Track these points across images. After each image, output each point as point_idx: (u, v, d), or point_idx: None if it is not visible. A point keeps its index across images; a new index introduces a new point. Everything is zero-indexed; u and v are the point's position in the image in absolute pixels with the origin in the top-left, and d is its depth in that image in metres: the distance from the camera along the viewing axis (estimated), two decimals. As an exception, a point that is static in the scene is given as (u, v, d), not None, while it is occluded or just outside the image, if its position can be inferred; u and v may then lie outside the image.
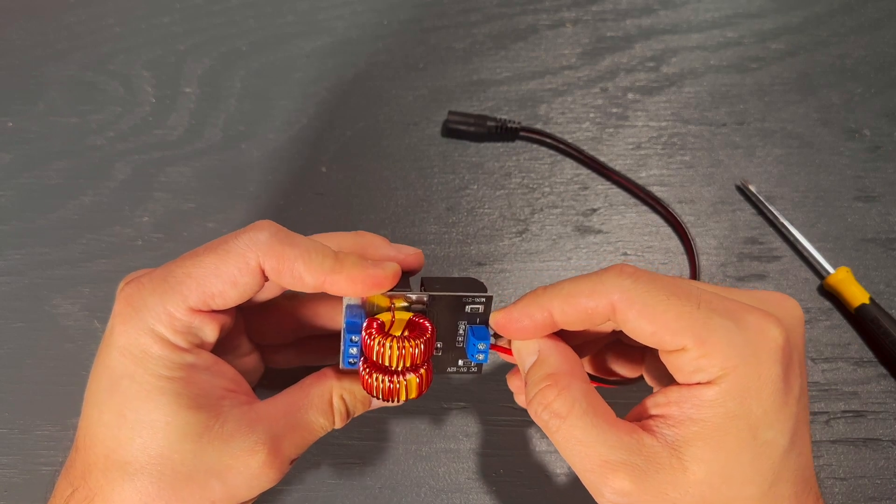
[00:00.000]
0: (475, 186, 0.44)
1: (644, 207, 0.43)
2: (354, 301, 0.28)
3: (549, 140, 0.45)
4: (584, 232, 0.42)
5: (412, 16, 0.49)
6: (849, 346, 0.39)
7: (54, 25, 0.49)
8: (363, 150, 0.45)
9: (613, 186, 0.43)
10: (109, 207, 0.43)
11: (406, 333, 0.28)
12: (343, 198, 0.43)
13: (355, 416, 0.31)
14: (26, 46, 0.48)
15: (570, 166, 0.44)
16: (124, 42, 0.48)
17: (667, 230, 0.42)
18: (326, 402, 0.30)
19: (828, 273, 0.40)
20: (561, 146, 0.44)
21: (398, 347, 0.27)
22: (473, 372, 0.31)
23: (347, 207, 0.43)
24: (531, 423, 0.37)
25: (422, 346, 0.27)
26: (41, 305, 0.40)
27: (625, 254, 0.41)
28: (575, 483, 0.36)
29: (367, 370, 0.28)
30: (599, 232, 0.42)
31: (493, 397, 0.38)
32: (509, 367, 0.38)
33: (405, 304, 0.29)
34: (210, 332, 0.28)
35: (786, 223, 0.41)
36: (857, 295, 0.39)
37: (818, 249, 0.41)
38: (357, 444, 0.37)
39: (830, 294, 0.40)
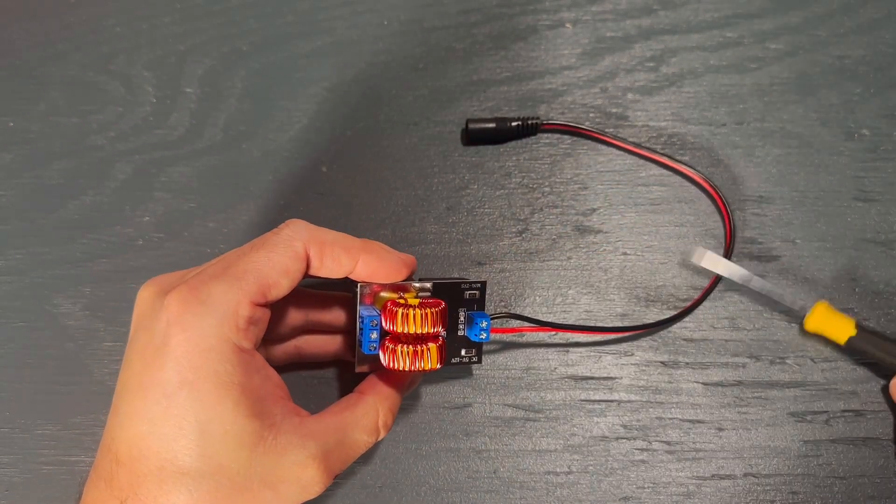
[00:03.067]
0: (475, 186, 0.44)
1: (644, 207, 0.43)
2: (367, 292, 0.31)
3: (580, 130, 0.45)
4: (584, 232, 0.42)
5: (412, 16, 0.49)
6: (848, 345, 0.39)
7: (55, 25, 0.49)
8: (363, 150, 0.45)
9: (613, 185, 0.43)
10: (110, 207, 0.43)
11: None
12: (343, 198, 0.43)
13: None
14: (26, 46, 0.48)
15: (569, 166, 0.44)
16: (125, 42, 0.48)
17: (667, 230, 0.42)
18: (372, 421, 0.31)
19: (805, 312, 0.37)
20: (590, 133, 0.45)
21: (420, 312, 0.30)
22: (475, 361, 0.34)
23: (347, 207, 0.43)
24: (531, 422, 0.38)
25: (441, 313, 0.31)
26: (42, 305, 0.40)
27: (624, 253, 0.41)
28: (575, 483, 0.36)
29: (391, 346, 0.31)
30: (599, 232, 0.42)
31: (493, 397, 0.38)
32: (509, 367, 0.39)
33: (412, 292, 0.32)
34: (263, 329, 0.28)
35: (753, 278, 0.39)
36: (843, 328, 0.36)
37: (817, 250, 0.41)
38: (357, 444, 0.37)
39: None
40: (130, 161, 0.44)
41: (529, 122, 0.44)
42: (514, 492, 0.36)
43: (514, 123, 0.44)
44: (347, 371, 0.39)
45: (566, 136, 0.45)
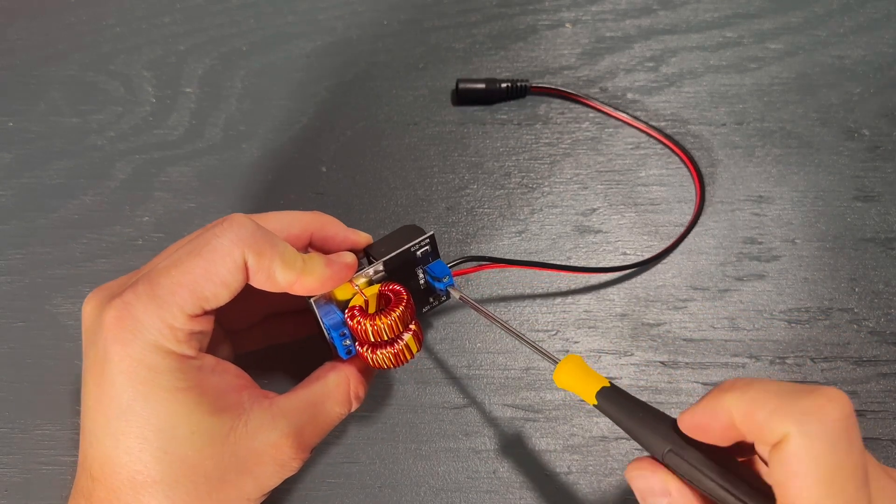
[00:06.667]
0: (475, 186, 0.44)
1: (644, 207, 0.43)
2: (319, 297, 0.30)
3: (567, 94, 0.46)
4: (584, 231, 0.42)
5: (412, 16, 0.49)
6: (848, 345, 0.39)
7: (54, 25, 0.49)
8: (363, 150, 0.45)
9: (613, 186, 0.43)
10: (110, 207, 0.43)
11: (384, 304, 0.31)
12: (343, 198, 0.43)
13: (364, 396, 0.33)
14: (26, 46, 0.48)
15: (569, 166, 0.44)
16: (125, 42, 0.48)
17: (666, 230, 0.42)
18: (344, 392, 0.31)
19: (555, 362, 0.29)
20: (576, 98, 0.46)
21: (389, 320, 0.29)
22: (444, 300, 0.35)
23: (347, 207, 0.43)
24: (531, 422, 0.37)
25: (407, 308, 0.30)
26: (42, 305, 0.40)
27: (624, 253, 0.41)
28: (574, 483, 0.36)
29: (370, 350, 0.30)
30: (599, 231, 0.42)
31: (493, 397, 0.38)
32: (509, 367, 0.39)
33: (365, 279, 0.31)
34: (208, 333, 0.28)
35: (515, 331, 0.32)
36: (589, 387, 0.28)
37: (817, 250, 0.41)
38: (356, 444, 0.37)
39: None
40: (130, 161, 0.44)
41: (518, 84, 0.45)
42: (513, 492, 0.36)
43: (503, 85, 0.45)
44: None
45: (566, 136, 0.45)
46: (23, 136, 0.45)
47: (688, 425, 0.24)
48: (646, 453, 0.26)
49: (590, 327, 0.40)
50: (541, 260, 0.41)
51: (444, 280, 0.33)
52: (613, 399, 0.27)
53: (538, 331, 0.40)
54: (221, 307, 0.28)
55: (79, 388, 0.38)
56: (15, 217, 0.43)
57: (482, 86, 0.45)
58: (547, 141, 0.45)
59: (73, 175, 0.44)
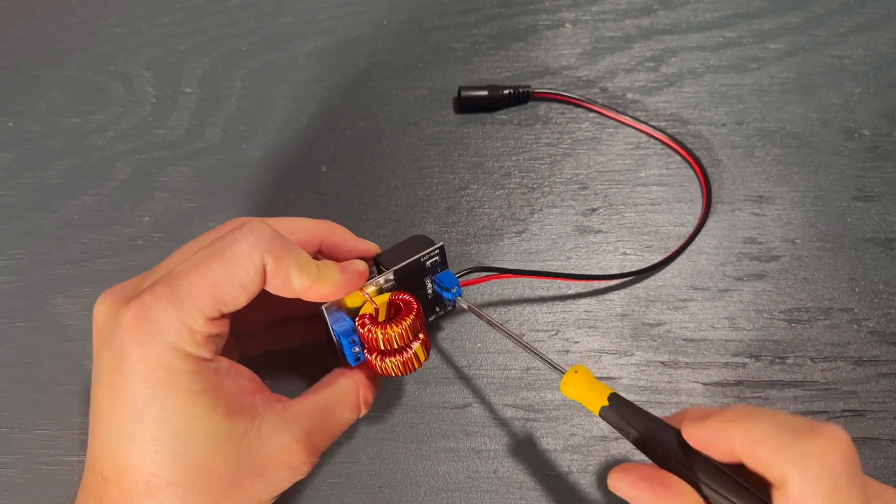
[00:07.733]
0: (475, 186, 0.44)
1: (644, 207, 0.43)
2: (331, 304, 0.31)
3: (569, 98, 0.46)
4: (584, 232, 0.42)
5: (412, 16, 0.49)
6: (848, 345, 0.39)
7: (54, 25, 0.49)
8: (363, 150, 0.45)
9: (613, 186, 0.43)
10: (110, 207, 0.43)
11: (394, 312, 0.31)
12: (343, 198, 0.43)
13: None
14: (27, 46, 0.48)
15: (569, 166, 0.44)
16: (125, 42, 0.48)
17: (666, 230, 0.42)
18: (354, 399, 0.31)
19: (563, 372, 0.30)
20: (579, 102, 0.46)
21: (400, 329, 0.30)
22: (450, 309, 0.36)
23: (347, 207, 0.43)
24: (531, 422, 0.37)
25: (417, 318, 0.31)
26: (42, 305, 0.40)
27: (624, 253, 0.41)
28: (575, 483, 0.36)
29: (378, 358, 0.31)
30: (599, 232, 0.42)
31: (493, 397, 0.38)
32: (509, 367, 0.39)
33: (375, 288, 0.32)
34: (224, 335, 0.28)
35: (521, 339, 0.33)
36: (595, 398, 0.29)
37: (817, 250, 0.41)
38: (357, 444, 0.37)
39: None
40: (130, 161, 0.44)
41: (520, 89, 0.45)
42: (513, 492, 0.36)
43: (505, 91, 0.45)
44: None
45: (566, 136, 0.45)
46: (23, 136, 0.45)
47: (693, 440, 0.25)
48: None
49: (590, 327, 0.40)
50: (541, 260, 0.41)
51: (453, 290, 0.33)
52: (619, 409, 0.27)
53: (538, 331, 0.40)
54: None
55: (80, 388, 0.38)
56: (15, 217, 0.43)
57: (485, 93, 0.45)
58: (547, 141, 0.45)
59: (73, 175, 0.44)
